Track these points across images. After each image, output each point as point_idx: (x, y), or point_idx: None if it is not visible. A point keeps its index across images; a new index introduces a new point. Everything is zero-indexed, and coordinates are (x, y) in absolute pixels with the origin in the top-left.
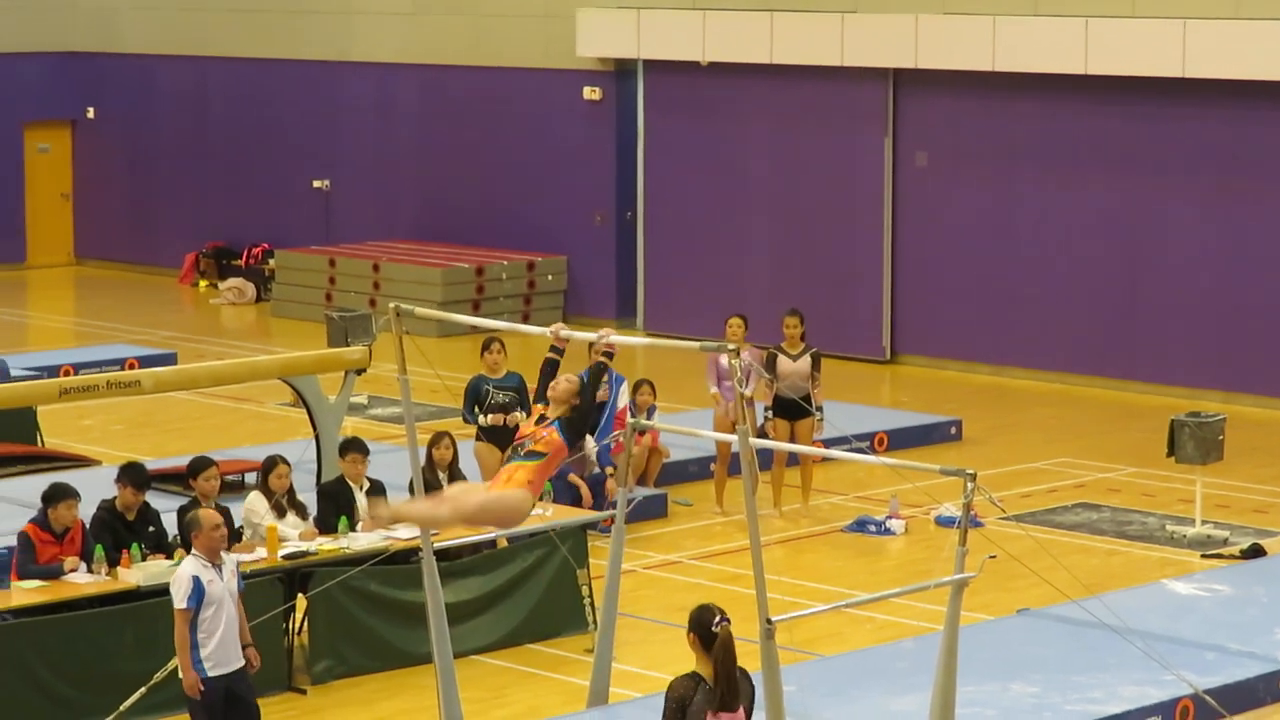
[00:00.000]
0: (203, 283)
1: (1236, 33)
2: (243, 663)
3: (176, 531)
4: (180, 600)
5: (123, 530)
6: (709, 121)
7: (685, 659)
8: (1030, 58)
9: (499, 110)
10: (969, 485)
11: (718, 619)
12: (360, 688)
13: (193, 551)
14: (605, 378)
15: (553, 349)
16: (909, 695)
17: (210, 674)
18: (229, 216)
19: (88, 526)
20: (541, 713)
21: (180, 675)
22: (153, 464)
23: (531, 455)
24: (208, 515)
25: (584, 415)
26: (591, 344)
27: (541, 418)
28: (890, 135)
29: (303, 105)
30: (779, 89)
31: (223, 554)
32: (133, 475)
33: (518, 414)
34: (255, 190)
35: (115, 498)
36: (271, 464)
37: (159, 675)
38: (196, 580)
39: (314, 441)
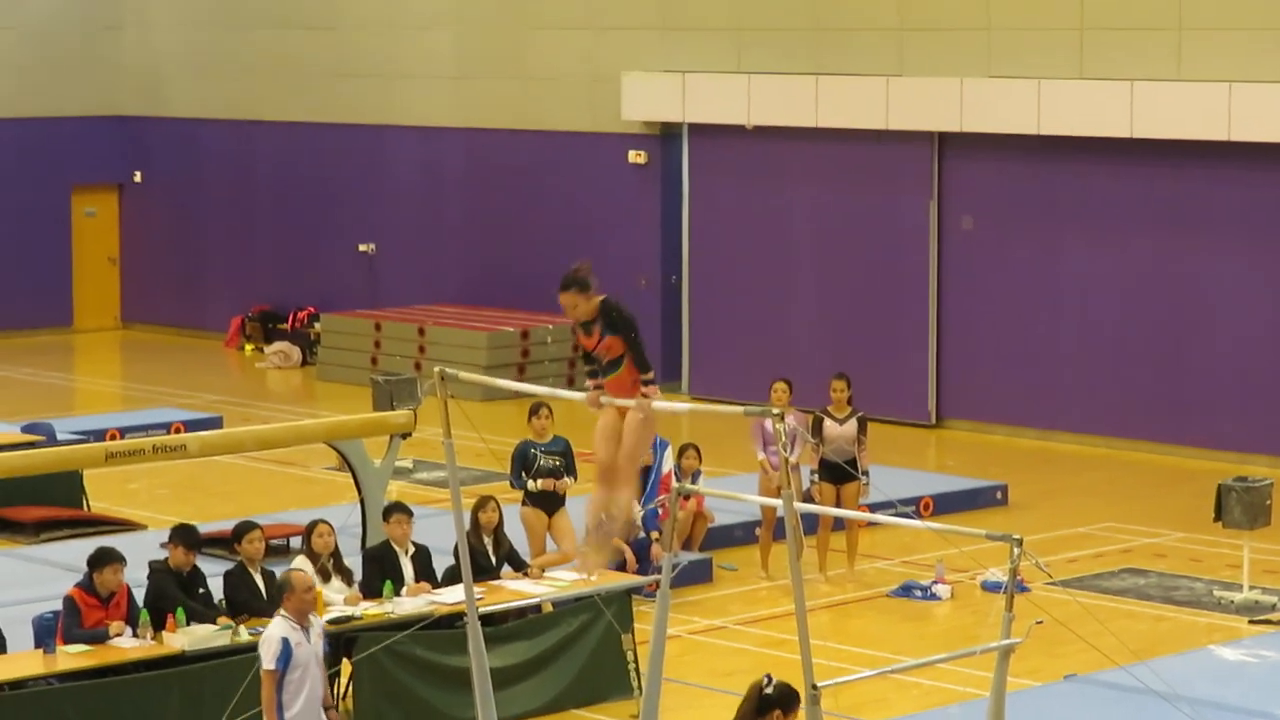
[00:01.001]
0: (248, 346)
1: None
2: None
3: (223, 595)
4: (269, 661)
5: (176, 591)
6: (754, 185)
7: None
8: (1075, 121)
9: (544, 173)
10: (1015, 550)
11: (765, 678)
12: None
13: (281, 612)
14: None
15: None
16: None
17: None
18: (275, 280)
19: (143, 588)
20: None
21: None
22: (198, 527)
23: (612, 365)
24: (300, 577)
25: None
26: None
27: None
28: (935, 198)
29: (348, 169)
30: (824, 152)
31: (310, 616)
32: (184, 536)
33: (566, 480)
34: (301, 254)
35: (167, 558)
36: (312, 526)
37: None
38: (285, 642)
39: (359, 505)
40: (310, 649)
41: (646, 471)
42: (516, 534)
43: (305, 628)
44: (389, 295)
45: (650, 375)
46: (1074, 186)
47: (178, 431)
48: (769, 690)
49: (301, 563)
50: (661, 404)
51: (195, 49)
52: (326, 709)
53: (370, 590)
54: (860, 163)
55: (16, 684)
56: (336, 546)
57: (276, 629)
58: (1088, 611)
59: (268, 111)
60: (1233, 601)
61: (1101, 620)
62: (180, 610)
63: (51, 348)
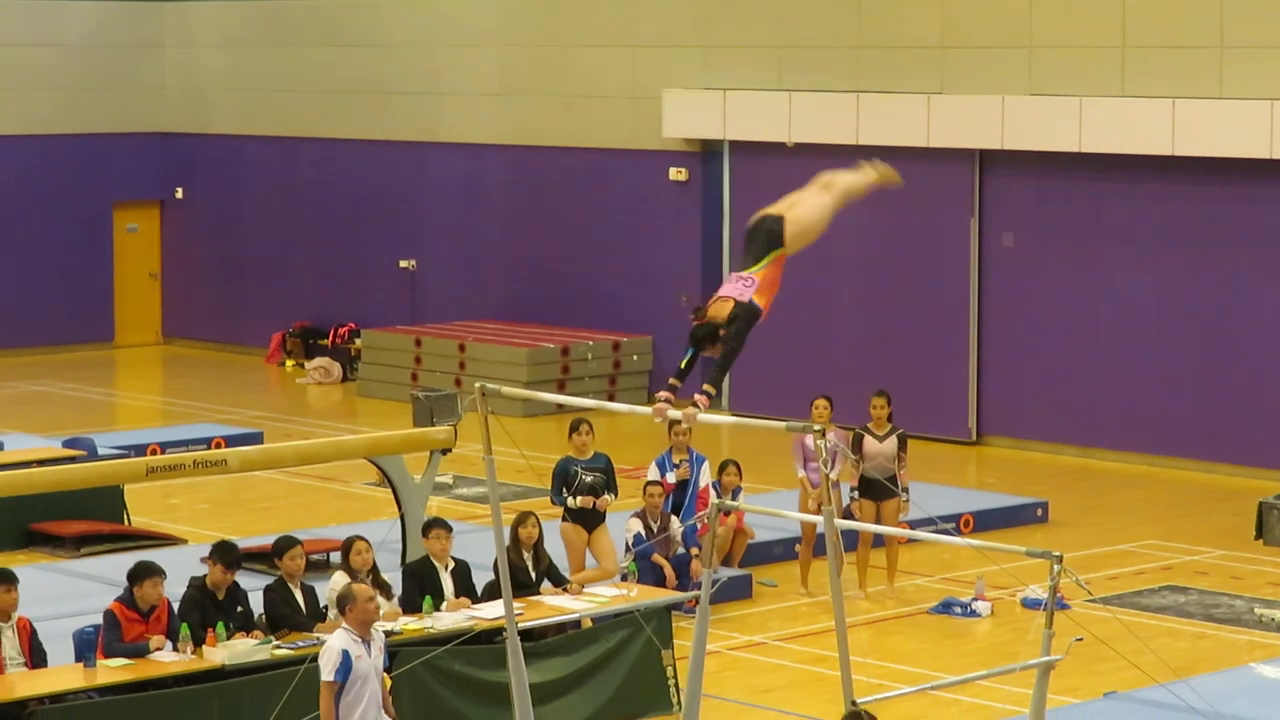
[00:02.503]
0: (289, 362)
1: None
2: None
3: (263, 610)
4: (328, 673)
5: (211, 608)
6: None
7: None
8: (1117, 139)
9: (585, 190)
10: (1055, 567)
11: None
12: None
13: (343, 625)
14: (686, 457)
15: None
16: None
17: None
18: (316, 296)
19: (175, 604)
20: None
21: None
22: (238, 543)
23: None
24: (361, 589)
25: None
26: (672, 424)
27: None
28: (976, 216)
29: (390, 185)
30: None
31: (372, 630)
32: (224, 554)
33: (606, 496)
34: (342, 270)
35: (205, 575)
36: (349, 543)
37: None
38: (345, 654)
39: (399, 521)
40: (370, 662)
41: (684, 486)
42: (556, 550)
43: (367, 640)
44: (430, 311)
45: (713, 391)
46: (1115, 204)
47: (218, 447)
48: None
49: (340, 578)
50: (704, 416)
51: (237, 66)
52: None
53: (410, 605)
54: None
55: (57, 698)
56: (374, 562)
57: (337, 641)
58: (1128, 629)
59: (310, 128)
60: (1274, 619)
61: (1142, 638)
62: (221, 625)
63: (93, 363)
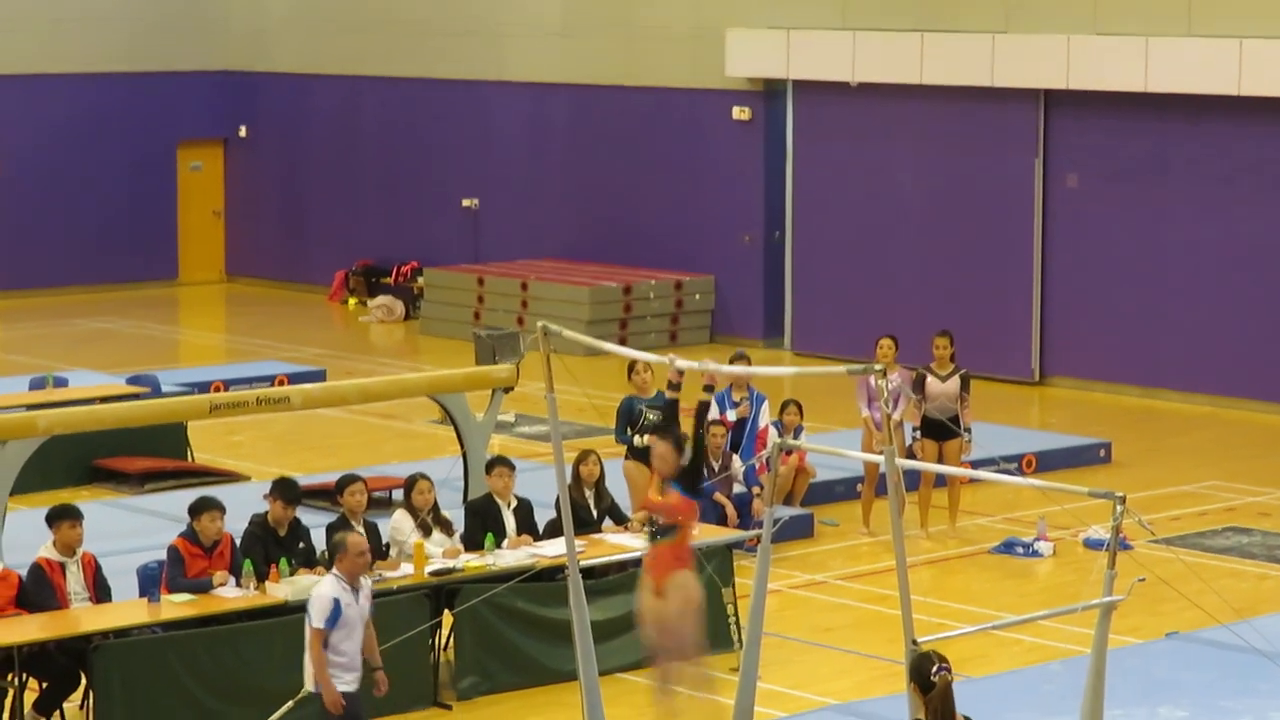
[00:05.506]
0: (352, 300)
1: None
2: (356, 687)
3: (325, 547)
4: (319, 620)
5: (273, 545)
6: (858, 142)
7: (829, 679)
8: (1183, 78)
9: (648, 130)
10: (1118, 508)
11: (936, 667)
12: (505, 704)
13: (334, 571)
14: (746, 394)
15: (670, 386)
16: (1056, 718)
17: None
18: (379, 235)
19: (238, 541)
20: None
21: (322, 693)
22: (301, 480)
23: (666, 531)
24: (354, 540)
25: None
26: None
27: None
28: (1041, 156)
29: (453, 124)
30: (929, 109)
31: (361, 578)
32: (284, 490)
33: None
34: (405, 209)
35: (266, 512)
36: (412, 482)
37: (306, 689)
38: (336, 603)
39: (461, 459)
40: (358, 610)
41: (742, 424)
42: (618, 488)
43: (356, 589)
44: (492, 250)
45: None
46: (1180, 144)
47: (281, 384)
48: (934, 677)
49: (401, 516)
50: (764, 370)
51: (302, 5)
52: (374, 669)
53: (472, 543)
54: (965, 120)
55: (121, 632)
56: (436, 501)
57: (329, 589)
58: (1190, 570)
59: (374, 67)
60: None
61: (1204, 579)
62: (284, 561)
63: (157, 301)
